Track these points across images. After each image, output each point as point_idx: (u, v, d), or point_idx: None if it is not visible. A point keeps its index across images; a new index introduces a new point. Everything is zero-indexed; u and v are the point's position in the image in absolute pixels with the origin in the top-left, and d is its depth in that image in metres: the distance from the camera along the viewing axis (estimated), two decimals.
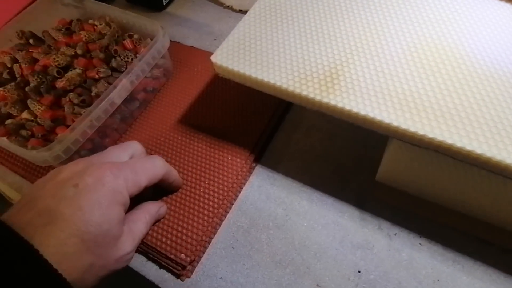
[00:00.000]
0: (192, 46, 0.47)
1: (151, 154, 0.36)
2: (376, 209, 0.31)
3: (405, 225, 0.30)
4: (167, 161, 0.35)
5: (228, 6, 0.55)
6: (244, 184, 0.35)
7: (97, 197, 0.21)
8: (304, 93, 0.24)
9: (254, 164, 0.36)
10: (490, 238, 0.28)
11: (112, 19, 0.43)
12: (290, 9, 0.30)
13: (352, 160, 0.35)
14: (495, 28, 0.25)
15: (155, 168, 0.27)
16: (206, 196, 0.32)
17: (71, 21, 0.44)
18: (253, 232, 0.32)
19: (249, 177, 0.35)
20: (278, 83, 0.25)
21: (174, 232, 0.30)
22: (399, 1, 0.28)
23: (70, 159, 0.32)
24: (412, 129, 0.21)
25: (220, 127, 0.37)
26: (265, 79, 0.25)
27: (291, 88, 0.25)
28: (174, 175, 0.31)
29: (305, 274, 0.29)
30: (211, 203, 0.32)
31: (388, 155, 0.27)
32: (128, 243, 0.24)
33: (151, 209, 0.28)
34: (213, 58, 0.27)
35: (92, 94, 0.36)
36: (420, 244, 0.29)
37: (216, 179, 0.34)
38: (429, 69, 0.24)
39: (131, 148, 0.29)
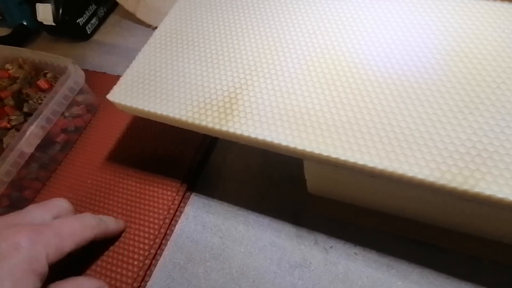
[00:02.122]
0: (119, 75, 0.46)
1: (75, 200, 0.35)
2: (312, 222, 0.32)
3: (340, 235, 0.30)
4: (93, 204, 0.35)
5: (156, 27, 0.54)
6: (180, 217, 0.34)
7: (10, 266, 0.20)
8: (203, 123, 0.24)
9: (189, 193, 0.35)
10: (426, 238, 0.28)
11: (25, 60, 0.42)
12: (192, 33, 0.30)
13: (287, 173, 0.35)
14: (392, 29, 0.26)
15: (85, 230, 0.25)
16: (136, 238, 0.32)
17: None
18: (190, 268, 0.31)
19: (184, 208, 0.35)
20: (178, 116, 0.25)
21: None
22: (298, 14, 0.29)
23: None
24: (309, 149, 0.22)
25: (150, 159, 0.37)
26: (164, 113, 0.25)
27: (190, 120, 0.25)
28: (110, 229, 0.29)
29: None
30: (141, 245, 0.31)
31: (306, 168, 0.28)
32: None
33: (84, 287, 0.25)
34: (109, 97, 0.27)
35: (4, 145, 0.35)
36: (355, 253, 0.29)
37: (146, 218, 0.33)
38: (324, 82, 0.24)
39: (56, 208, 0.27)
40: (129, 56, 0.51)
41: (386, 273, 0.28)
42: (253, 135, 0.23)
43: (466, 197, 0.19)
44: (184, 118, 0.25)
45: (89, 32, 0.55)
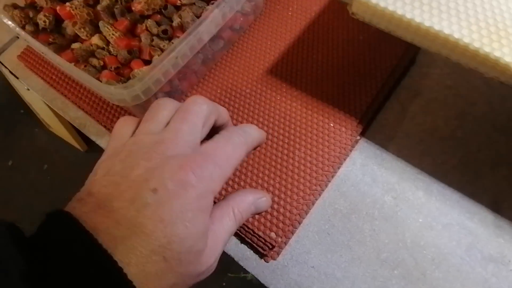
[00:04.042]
0: None
1: (231, 106, 0.32)
2: None
3: None
4: (252, 117, 0.32)
5: None
6: (345, 160, 0.30)
7: (180, 206, 0.18)
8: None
9: (358, 137, 0.31)
10: None
11: None
12: None
13: (487, 149, 0.29)
14: None
15: (236, 151, 0.22)
16: (302, 167, 0.29)
17: None
18: (354, 219, 0.28)
19: (350, 151, 0.31)
20: (448, 31, 0.19)
21: None
22: None
23: (148, 101, 0.29)
24: None
25: (320, 84, 0.32)
26: (428, 24, 0.20)
27: (476, 44, 0.19)
28: (255, 142, 0.24)
29: (419, 281, 0.25)
30: (308, 177, 0.28)
31: None
32: (211, 254, 0.20)
33: (243, 202, 0.22)
34: None
35: (174, 24, 0.32)
36: None
37: (314, 149, 0.29)
38: None
39: (198, 116, 0.22)
40: None
41: None
42: None
43: None
44: (458, 36, 0.19)
45: None
